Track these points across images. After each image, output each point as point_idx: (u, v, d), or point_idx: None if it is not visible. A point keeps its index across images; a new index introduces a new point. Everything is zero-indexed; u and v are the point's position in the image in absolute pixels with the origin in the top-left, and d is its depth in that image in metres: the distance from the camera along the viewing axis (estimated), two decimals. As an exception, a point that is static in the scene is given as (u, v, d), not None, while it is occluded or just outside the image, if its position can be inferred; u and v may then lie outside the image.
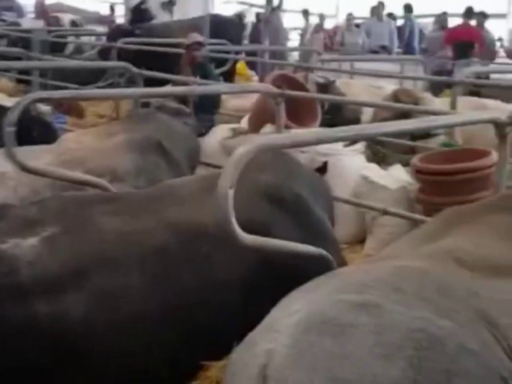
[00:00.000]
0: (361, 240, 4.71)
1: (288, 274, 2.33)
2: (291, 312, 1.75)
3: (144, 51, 8.91)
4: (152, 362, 2.32)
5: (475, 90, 9.35)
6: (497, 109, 6.01)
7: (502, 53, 12.53)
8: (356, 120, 6.59)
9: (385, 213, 4.14)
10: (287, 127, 5.01)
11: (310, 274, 2.00)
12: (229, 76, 9.75)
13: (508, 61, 12.24)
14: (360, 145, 5.39)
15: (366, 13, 14.46)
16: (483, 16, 12.09)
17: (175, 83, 6.13)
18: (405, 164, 5.16)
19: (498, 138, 3.52)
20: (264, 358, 1.61)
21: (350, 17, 13.91)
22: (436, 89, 8.94)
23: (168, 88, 5.65)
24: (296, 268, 2.39)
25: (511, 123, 3.48)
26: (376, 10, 13.62)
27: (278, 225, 2.61)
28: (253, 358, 1.65)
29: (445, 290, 1.84)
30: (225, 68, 9.09)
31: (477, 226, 2.22)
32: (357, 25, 14.07)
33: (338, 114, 6.56)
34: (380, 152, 6.02)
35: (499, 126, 3.47)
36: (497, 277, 1.95)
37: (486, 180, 4.17)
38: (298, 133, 4.19)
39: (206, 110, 6.30)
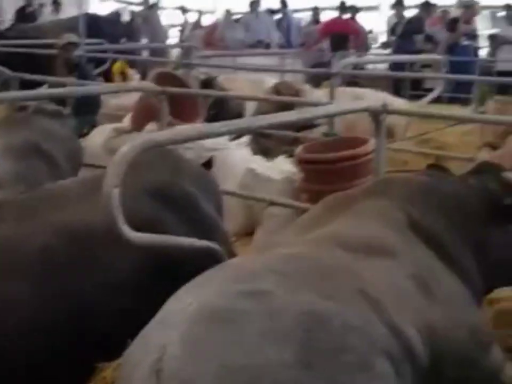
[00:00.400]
0: (251, 232, 4.77)
1: (179, 270, 2.34)
2: (183, 305, 1.77)
3: (17, 54, 8.64)
4: (44, 367, 2.28)
5: (353, 81, 9.67)
6: (373, 97, 6.24)
7: (374, 44, 13.02)
8: (240, 115, 6.67)
9: (271, 203, 4.22)
10: (170, 124, 5.00)
11: (200, 268, 2.02)
12: (110, 75, 9.64)
13: (380, 51, 12.72)
14: (246, 139, 5.46)
15: (245, 8, 14.58)
16: (355, 9, 12.52)
17: (52, 85, 5.98)
18: (290, 155, 5.27)
19: (374, 126, 3.67)
20: (158, 353, 1.62)
21: (228, 12, 13.99)
22: (316, 81, 9.18)
23: (46, 90, 5.51)
24: (187, 262, 2.41)
25: (385, 111, 3.63)
26: (254, 5, 13.78)
27: (166, 222, 2.61)
28: (146, 353, 1.66)
29: (330, 273, 1.92)
30: (104, 67, 8.96)
31: (356, 211, 2.32)
32: (236, 21, 14.17)
33: (222, 110, 6.61)
34: (264, 144, 6.13)
35: (374, 114, 3.61)
36: (375, 256, 2.06)
37: (365, 167, 4.32)
38: (182, 129, 4.20)
39: (87, 110, 6.20)
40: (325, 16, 13.17)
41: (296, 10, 15.20)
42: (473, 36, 11.53)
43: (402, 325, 1.85)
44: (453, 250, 2.30)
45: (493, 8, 12.69)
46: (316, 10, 13.16)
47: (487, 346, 2.14)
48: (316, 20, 12.88)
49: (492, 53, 11.35)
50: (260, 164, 5.01)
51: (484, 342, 2.13)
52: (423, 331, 1.91)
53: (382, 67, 11.46)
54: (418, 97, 7.70)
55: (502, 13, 11.70)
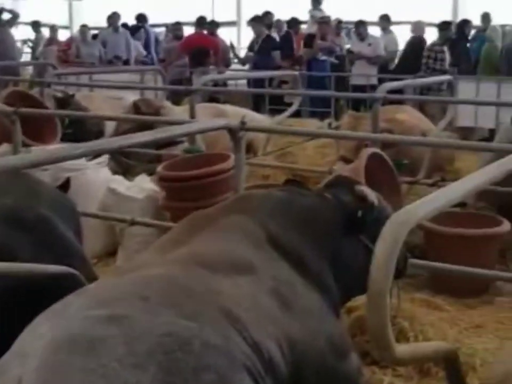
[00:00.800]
0: (113, 253, 4.70)
1: (36, 297, 2.27)
2: (39, 335, 1.72)
3: None
4: None
5: (214, 97, 9.77)
6: (235, 114, 6.33)
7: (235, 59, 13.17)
8: (99, 133, 6.56)
9: (133, 223, 4.17)
10: (26, 145, 4.85)
11: (58, 294, 1.96)
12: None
13: (240, 67, 12.90)
14: (104, 158, 5.37)
15: (102, 23, 14.31)
16: (215, 24, 12.64)
17: None
18: (151, 173, 5.25)
19: (233, 143, 3.73)
20: None
21: (84, 28, 13.65)
22: (176, 97, 9.18)
23: None
24: (44, 289, 2.33)
25: (243, 128, 3.70)
26: (112, 20, 13.56)
27: (20, 248, 2.52)
28: (1, 386, 1.60)
29: (190, 293, 1.92)
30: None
31: (216, 228, 2.34)
32: (94, 36, 13.88)
33: (80, 128, 6.46)
34: (124, 163, 6.06)
35: (232, 131, 3.67)
36: (235, 273, 2.08)
37: (226, 183, 4.37)
38: (35, 152, 4.07)
39: None
40: (185, 32, 13.13)
41: (155, 25, 15.09)
42: (330, 52, 11.90)
43: (262, 340, 1.88)
44: (311, 263, 2.37)
45: (346, 24, 13.17)
46: (177, 26, 13.07)
47: (345, 354, 2.22)
48: (176, 36, 12.81)
49: (348, 67, 11.81)
50: (120, 183, 4.94)
51: (342, 350, 2.21)
52: (282, 344, 1.96)
53: (243, 83, 11.64)
54: (279, 111, 7.91)
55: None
